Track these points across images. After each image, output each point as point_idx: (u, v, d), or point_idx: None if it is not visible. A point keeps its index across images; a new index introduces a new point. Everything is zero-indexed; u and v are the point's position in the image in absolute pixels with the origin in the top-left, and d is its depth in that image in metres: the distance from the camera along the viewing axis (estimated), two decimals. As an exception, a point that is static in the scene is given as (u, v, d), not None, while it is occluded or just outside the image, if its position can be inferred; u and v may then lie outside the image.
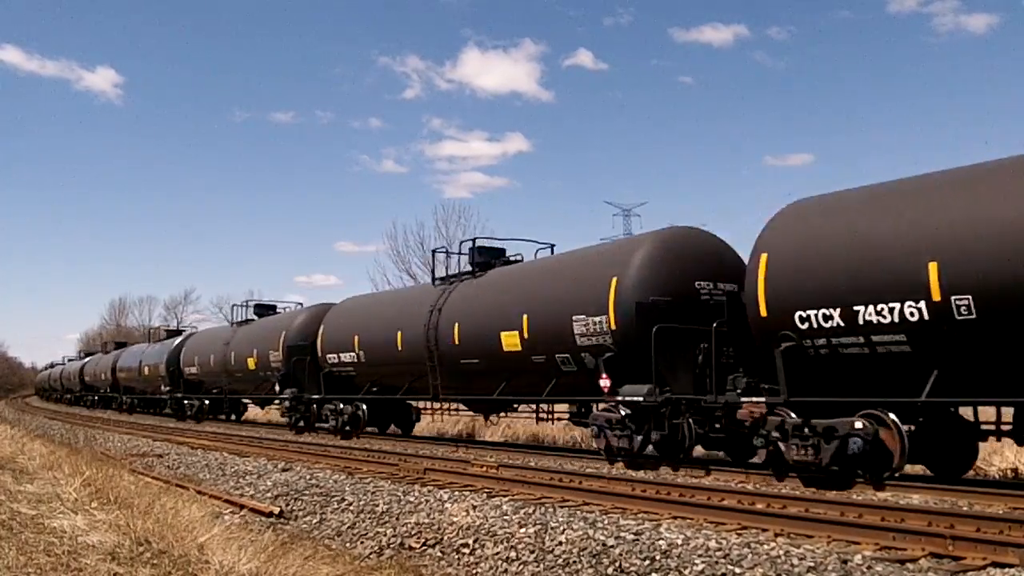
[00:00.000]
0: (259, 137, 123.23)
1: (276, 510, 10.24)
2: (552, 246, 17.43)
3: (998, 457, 13.17)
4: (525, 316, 14.40)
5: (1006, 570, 5.74)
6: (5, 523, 7.05)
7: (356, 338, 20.27)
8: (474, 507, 8.85)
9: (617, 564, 6.62)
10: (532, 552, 7.28)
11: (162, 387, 33.46)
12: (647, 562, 6.50)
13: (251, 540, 7.49)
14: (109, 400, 44.20)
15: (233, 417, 31.97)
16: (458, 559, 7.68)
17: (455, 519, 8.51)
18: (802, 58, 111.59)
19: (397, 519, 9.04)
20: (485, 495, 9.81)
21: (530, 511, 8.47)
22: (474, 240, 18.18)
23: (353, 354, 20.45)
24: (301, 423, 22.40)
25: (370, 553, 8.38)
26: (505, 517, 8.31)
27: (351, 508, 9.86)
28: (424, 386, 17.83)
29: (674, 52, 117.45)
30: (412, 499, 9.72)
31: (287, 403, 22.74)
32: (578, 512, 8.44)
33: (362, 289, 36.34)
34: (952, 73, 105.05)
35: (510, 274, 16.39)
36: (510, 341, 14.78)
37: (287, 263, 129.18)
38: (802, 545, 6.53)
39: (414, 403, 21.36)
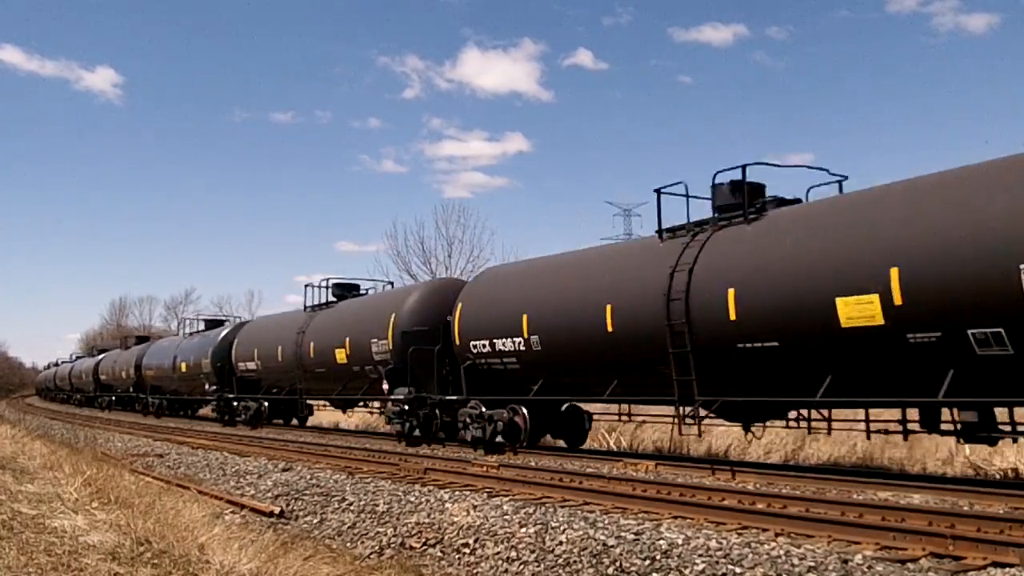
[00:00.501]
0: (259, 137, 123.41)
1: (277, 510, 10.24)
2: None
3: (998, 457, 13.18)
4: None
5: (1007, 570, 5.74)
6: (6, 523, 7.05)
7: (525, 318, 14.62)
8: (475, 507, 8.86)
9: (618, 564, 6.62)
10: (532, 552, 7.28)
11: (206, 386, 29.06)
12: (647, 562, 6.50)
13: (252, 540, 7.49)
14: (130, 401, 40.04)
15: (295, 422, 26.68)
16: (459, 559, 7.68)
17: (456, 519, 8.51)
18: (802, 58, 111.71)
19: (398, 519, 9.04)
20: (486, 495, 9.81)
21: (530, 511, 8.48)
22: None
23: (516, 341, 14.86)
24: (417, 432, 17.61)
25: (371, 553, 8.38)
26: (505, 517, 8.31)
27: (352, 508, 9.87)
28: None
29: (674, 52, 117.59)
30: (413, 499, 9.73)
31: (398, 406, 17.81)
32: (579, 512, 8.44)
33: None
34: (952, 73, 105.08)
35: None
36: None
37: (287, 263, 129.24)
38: (803, 545, 6.53)
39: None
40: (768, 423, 13.00)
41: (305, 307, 24.15)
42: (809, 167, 12.71)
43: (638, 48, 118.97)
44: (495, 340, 15.33)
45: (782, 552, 6.26)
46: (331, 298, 23.45)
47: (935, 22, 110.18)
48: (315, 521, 9.83)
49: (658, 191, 13.03)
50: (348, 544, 8.81)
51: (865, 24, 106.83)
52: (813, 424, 12.14)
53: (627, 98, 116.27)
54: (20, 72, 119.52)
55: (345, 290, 23.38)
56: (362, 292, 23.62)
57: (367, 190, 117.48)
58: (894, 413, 11.36)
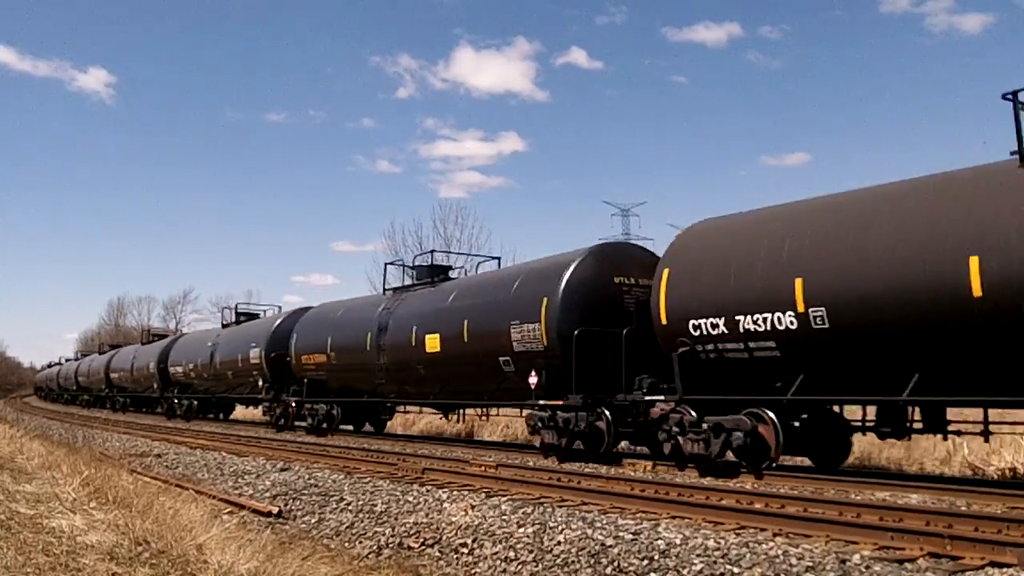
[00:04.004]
0: (253, 137, 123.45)
1: (275, 510, 10.24)
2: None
3: (996, 457, 13.19)
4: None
5: (1004, 570, 5.74)
6: (3, 523, 7.04)
7: (799, 284, 10.61)
8: (473, 507, 8.86)
9: (616, 564, 6.62)
10: (531, 552, 7.28)
11: (259, 382, 25.25)
12: (645, 562, 6.51)
13: (250, 540, 7.48)
14: (148, 402, 37.33)
15: (367, 427, 23.24)
16: (457, 559, 7.68)
17: (454, 519, 8.51)
18: (796, 58, 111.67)
19: (396, 519, 9.04)
20: (484, 495, 9.81)
21: (529, 511, 8.48)
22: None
23: (780, 317, 10.81)
24: (578, 444, 13.74)
25: (369, 553, 8.38)
26: (504, 517, 8.31)
27: (350, 508, 9.86)
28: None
29: (667, 51, 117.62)
30: (411, 499, 9.73)
31: (548, 410, 14.13)
32: (577, 512, 8.44)
33: (361, 289, 35.45)
34: (946, 73, 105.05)
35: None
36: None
37: (284, 263, 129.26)
38: (800, 545, 6.54)
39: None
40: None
41: (385, 289, 20.86)
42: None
43: (632, 47, 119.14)
44: (738, 317, 11.16)
45: (780, 552, 6.26)
46: (410, 280, 20.22)
47: (928, 22, 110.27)
48: (313, 521, 9.83)
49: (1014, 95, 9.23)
50: (346, 544, 8.80)
51: (858, 24, 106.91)
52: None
53: (622, 97, 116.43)
54: (12, 72, 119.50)
55: (435, 271, 19.72)
56: (450, 271, 20.03)
57: (362, 190, 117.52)
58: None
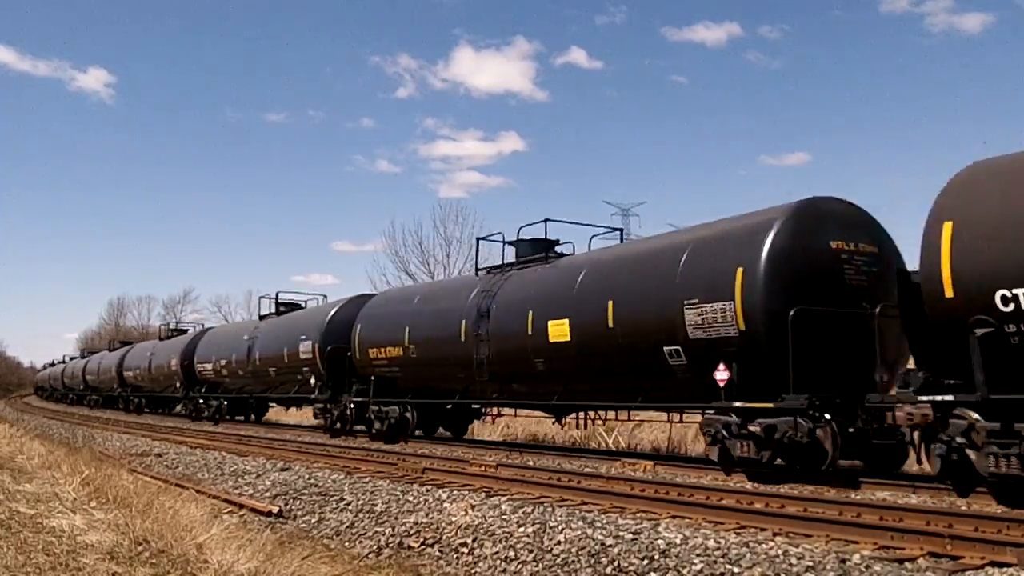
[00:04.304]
0: (253, 137, 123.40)
1: (275, 509, 10.24)
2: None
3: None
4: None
5: (1004, 569, 5.74)
6: (4, 522, 7.04)
7: None
8: (473, 506, 8.86)
9: (616, 563, 6.62)
10: (531, 551, 7.28)
11: (312, 380, 21.82)
12: (645, 561, 6.50)
13: (250, 539, 7.48)
14: (166, 402, 34.20)
15: (441, 430, 19.97)
16: (457, 558, 7.68)
17: (454, 518, 8.51)
18: (795, 57, 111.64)
19: (396, 518, 9.04)
20: (484, 494, 9.81)
21: (529, 510, 8.48)
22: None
23: None
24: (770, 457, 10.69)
25: (369, 552, 8.38)
26: (504, 516, 8.31)
27: (350, 507, 9.86)
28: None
29: (667, 51, 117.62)
30: (411, 498, 9.73)
31: (729, 413, 11.10)
32: (577, 511, 8.44)
33: (361, 288, 35.02)
34: (946, 73, 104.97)
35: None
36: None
37: (284, 263, 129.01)
38: (800, 544, 6.54)
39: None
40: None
41: (478, 269, 17.81)
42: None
43: (632, 47, 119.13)
44: None
45: (780, 552, 6.26)
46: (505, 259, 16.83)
47: (928, 22, 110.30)
48: (313, 521, 9.82)
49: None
50: (346, 544, 8.81)
51: (858, 24, 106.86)
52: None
53: (622, 97, 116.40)
54: (12, 72, 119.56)
55: (544, 246, 16.26)
56: (556, 248, 16.41)
57: (362, 190, 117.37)
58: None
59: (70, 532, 6.74)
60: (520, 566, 7.12)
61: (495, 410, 18.16)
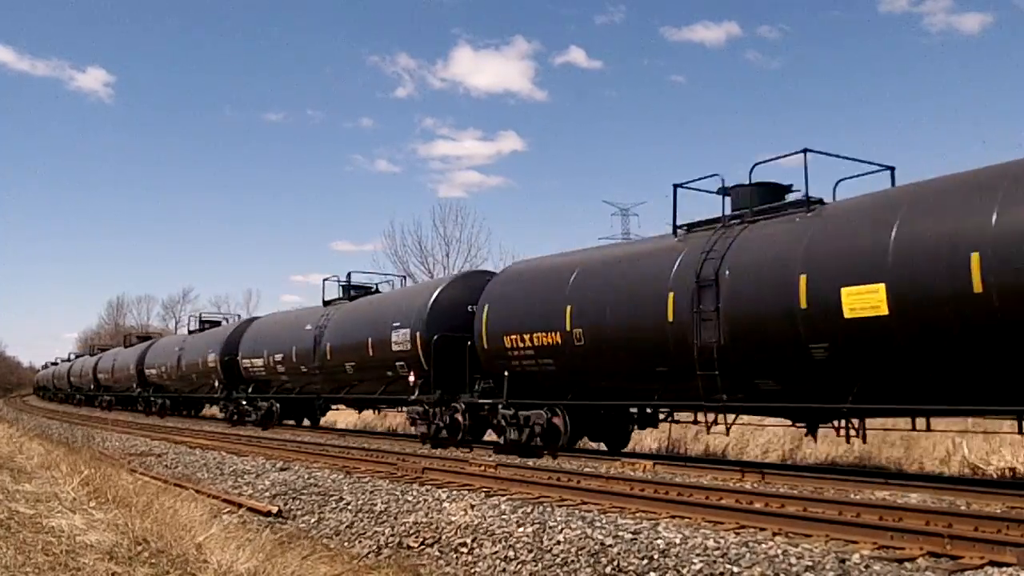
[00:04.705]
0: (252, 137, 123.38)
1: (274, 509, 10.24)
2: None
3: (996, 456, 13.19)
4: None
5: (1004, 569, 5.74)
6: (3, 522, 7.04)
7: None
8: (472, 506, 8.85)
9: (615, 563, 6.62)
10: (530, 551, 7.28)
11: (411, 378, 17.41)
12: (645, 561, 6.50)
13: (249, 539, 7.49)
14: (189, 404, 32.64)
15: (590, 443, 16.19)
16: (456, 558, 7.67)
17: (453, 518, 8.51)
18: (795, 57, 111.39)
19: (395, 518, 9.04)
20: (483, 494, 9.81)
21: (528, 510, 8.48)
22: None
23: None
24: None
25: (368, 552, 8.38)
26: (503, 516, 8.31)
27: (349, 507, 9.86)
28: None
29: (666, 51, 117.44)
30: (410, 498, 9.73)
31: None
32: (576, 511, 8.44)
33: None
34: (945, 73, 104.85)
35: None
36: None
37: (283, 262, 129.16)
38: (800, 544, 6.53)
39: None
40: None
41: (677, 227, 13.05)
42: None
43: (631, 47, 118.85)
44: None
45: (780, 551, 6.26)
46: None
47: (927, 22, 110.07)
48: (313, 520, 9.82)
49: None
50: (346, 543, 8.80)
51: (857, 24, 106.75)
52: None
53: (621, 97, 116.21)
54: (11, 72, 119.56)
55: (772, 194, 12.27)
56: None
57: (361, 190, 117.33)
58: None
59: (69, 532, 6.74)
60: (520, 566, 7.12)
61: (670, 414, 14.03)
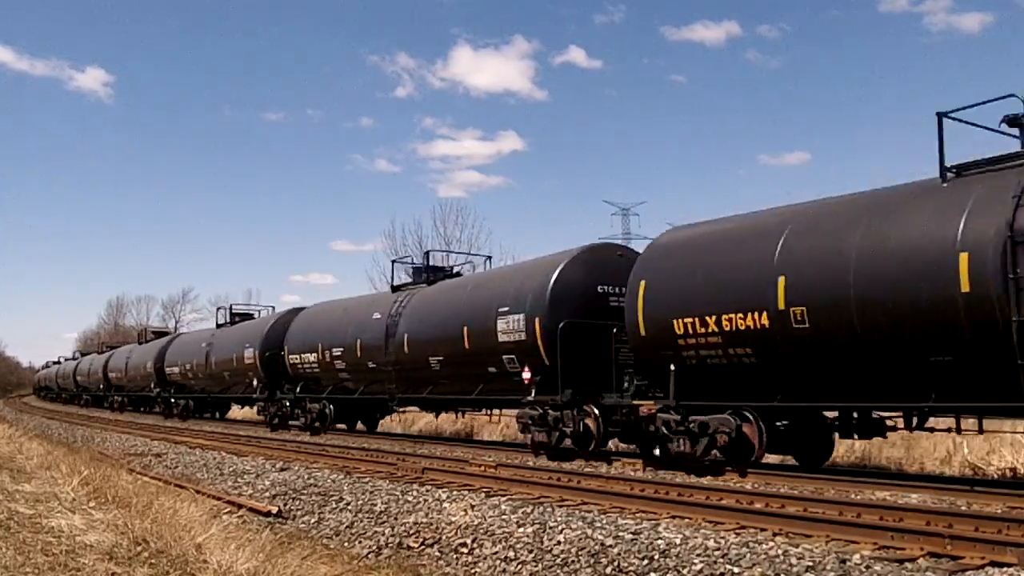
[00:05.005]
0: (251, 136, 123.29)
1: (274, 509, 10.23)
2: None
3: (996, 457, 13.18)
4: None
5: (1004, 569, 5.73)
6: (3, 523, 7.04)
7: None
8: (472, 506, 8.85)
9: (616, 563, 6.61)
10: (531, 552, 7.27)
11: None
12: (645, 561, 6.50)
13: (249, 539, 7.48)
14: (212, 406, 31.21)
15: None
16: (456, 558, 7.67)
17: (453, 518, 8.51)
18: (794, 57, 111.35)
19: (395, 518, 9.04)
20: (483, 494, 9.81)
21: (528, 510, 8.47)
22: None
23: None
24: None
25: (368, 552, 8.38)
26: (503, 516, 8.31)
27: (349, 508, 9.86)
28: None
29: (666, 50, 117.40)
30: (410, 498, 9.72)
31: None
32: (576, 511, 8.44)
33: (361, 288, 34.41)
34: (946, 72, 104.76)
35: None
36: None
37: (283, 262, 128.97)
38: (800, 544, 6.53)
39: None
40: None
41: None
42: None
43: (631, 46, 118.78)
44: None
45: (780, 552, 6.26)
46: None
47: (927, 21, 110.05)
48: (313, 521, 9.82)
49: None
50: (346, 544, 8.80)
51: (857, 23, 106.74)
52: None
53: (621, 96, 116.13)
54: (10, 72, 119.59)
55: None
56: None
57: (361, 189, 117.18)
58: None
59: (69, 532, 6.73)
60: (520, 566, 7.11)
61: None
